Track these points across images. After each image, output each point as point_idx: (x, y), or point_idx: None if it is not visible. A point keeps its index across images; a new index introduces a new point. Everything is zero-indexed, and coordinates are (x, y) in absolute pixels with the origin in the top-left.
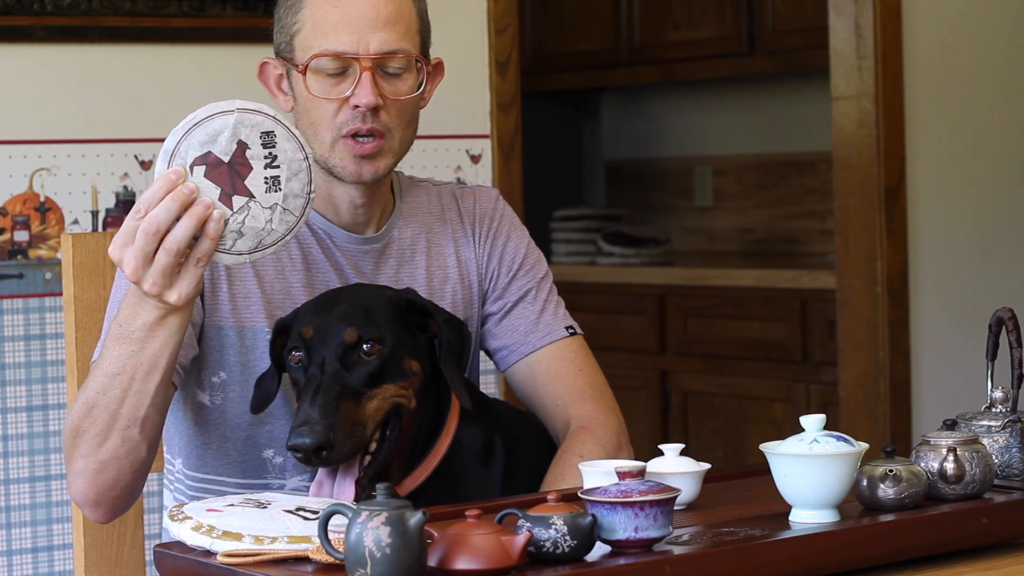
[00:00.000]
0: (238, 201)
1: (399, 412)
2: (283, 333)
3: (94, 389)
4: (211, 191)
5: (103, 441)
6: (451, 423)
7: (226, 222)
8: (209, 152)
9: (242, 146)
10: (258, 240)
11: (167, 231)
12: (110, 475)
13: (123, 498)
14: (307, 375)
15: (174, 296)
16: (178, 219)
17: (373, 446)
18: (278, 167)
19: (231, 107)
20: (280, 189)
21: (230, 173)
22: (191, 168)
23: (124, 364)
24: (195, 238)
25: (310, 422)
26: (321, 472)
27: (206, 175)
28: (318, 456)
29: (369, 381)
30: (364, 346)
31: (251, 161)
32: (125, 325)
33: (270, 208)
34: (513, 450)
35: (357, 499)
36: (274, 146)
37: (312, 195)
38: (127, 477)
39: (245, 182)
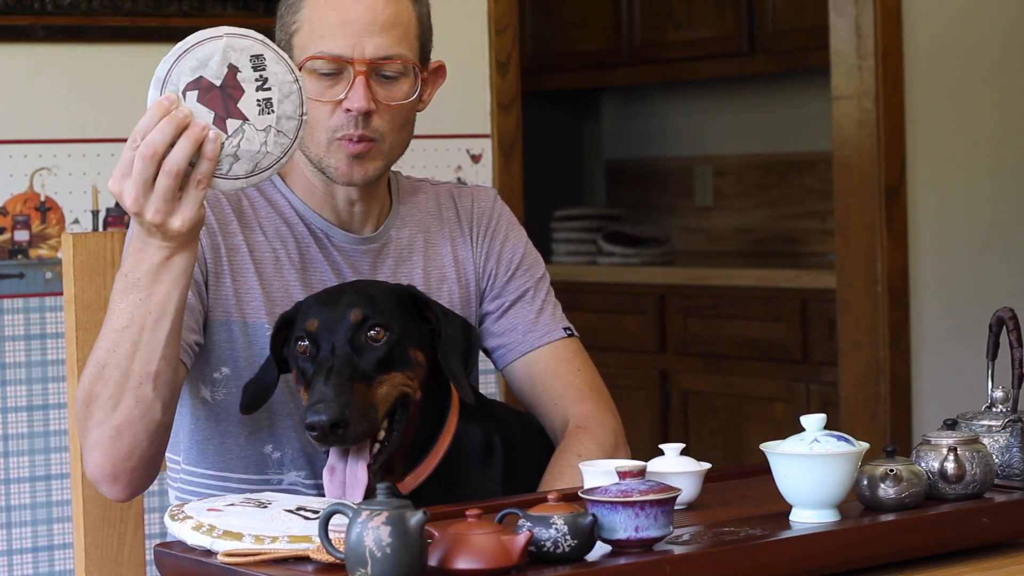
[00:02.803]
0: (232, 124)
1: (405, 403)
2: (285, 327)
3: (104, 348)
4: (205, 115)
5: (117, 404)
6: (451, 421)
7: (222, 145)
8: (201, 76)
9: (233, 69)
10: (254, 163)
11: (164, 155)
12: (126, 442)
13: (140, 469)
14: (317, 360)
15: (178, 222)
16: (174, 143)
17: (381, 435)
18: (269, 89)
19: (220, 32)
20: (273, 111)
21: (222, 97)
22: (184, 94)
23: (132, 315)
24: (192, 164)
25: (326, 400)
26: (333, 457)
27: (199, 99)
28: (334, 434)
29: (378, 366)
30: (371, 331)
31: (243, 84)
32: (131, 273)
33: (264, 130)
34: (513, 449)
35: (370, 483)
36: (264, 68)
37: (304, 116)
38: (143, 443)
39: (238, 105)
